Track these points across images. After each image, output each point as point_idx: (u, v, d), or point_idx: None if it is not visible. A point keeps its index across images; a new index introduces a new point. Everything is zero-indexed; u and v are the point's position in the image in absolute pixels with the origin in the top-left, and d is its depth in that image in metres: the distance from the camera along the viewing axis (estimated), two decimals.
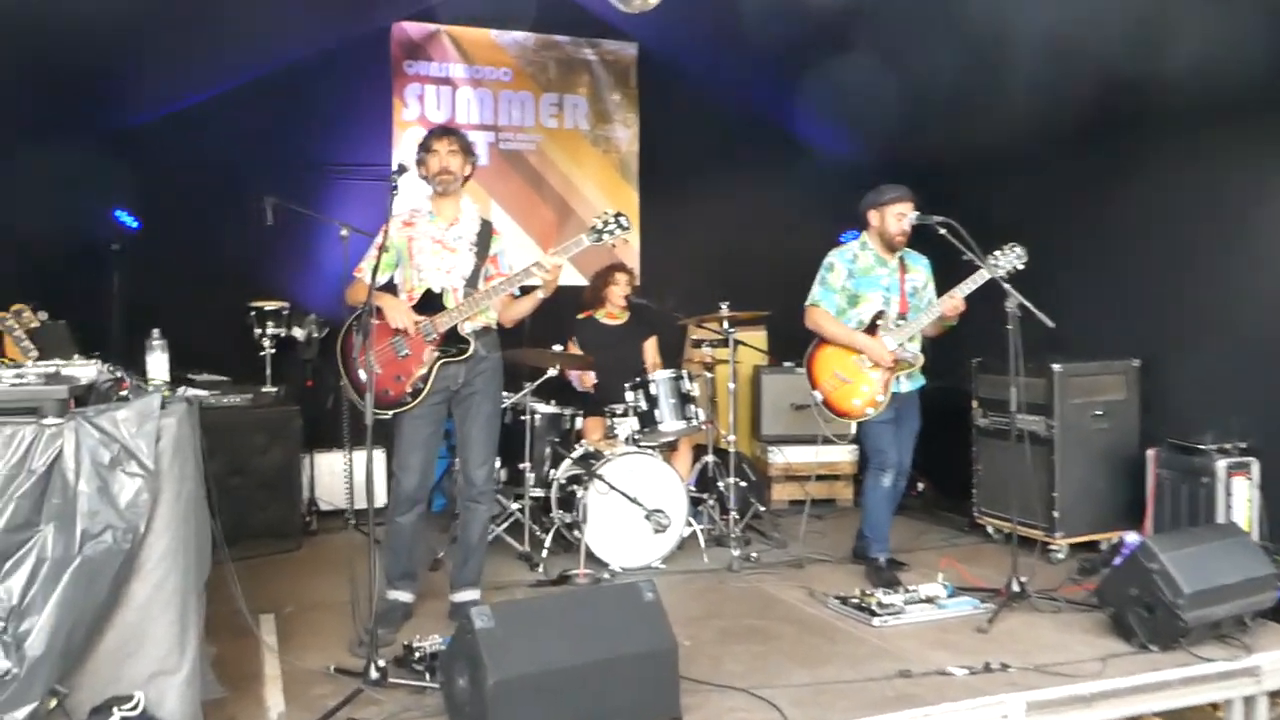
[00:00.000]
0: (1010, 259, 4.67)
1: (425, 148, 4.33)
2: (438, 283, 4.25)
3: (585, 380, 6.11)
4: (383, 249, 3.97)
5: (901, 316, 4.96)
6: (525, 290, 4.40)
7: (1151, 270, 5.59)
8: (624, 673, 3.17)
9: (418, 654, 3.69)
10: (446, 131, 4.38)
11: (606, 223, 4.29)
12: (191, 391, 3.66)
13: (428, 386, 4.17)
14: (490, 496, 4.49)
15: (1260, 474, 4.87)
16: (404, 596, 4.33)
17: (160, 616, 2.83)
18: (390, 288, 4.37)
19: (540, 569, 5.17)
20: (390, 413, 4.19)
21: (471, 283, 4.29)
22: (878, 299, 4.99)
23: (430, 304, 4.22)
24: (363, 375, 4.06)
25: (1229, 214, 5.20)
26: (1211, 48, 4.54)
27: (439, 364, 4.19)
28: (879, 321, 4.93)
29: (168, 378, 3.59)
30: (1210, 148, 5.20)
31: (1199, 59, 4.63)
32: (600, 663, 3.14)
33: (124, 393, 3.02)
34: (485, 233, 4.40)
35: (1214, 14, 4.37)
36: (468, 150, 4.36)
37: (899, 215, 4.92)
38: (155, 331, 3.62)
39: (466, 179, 4.37)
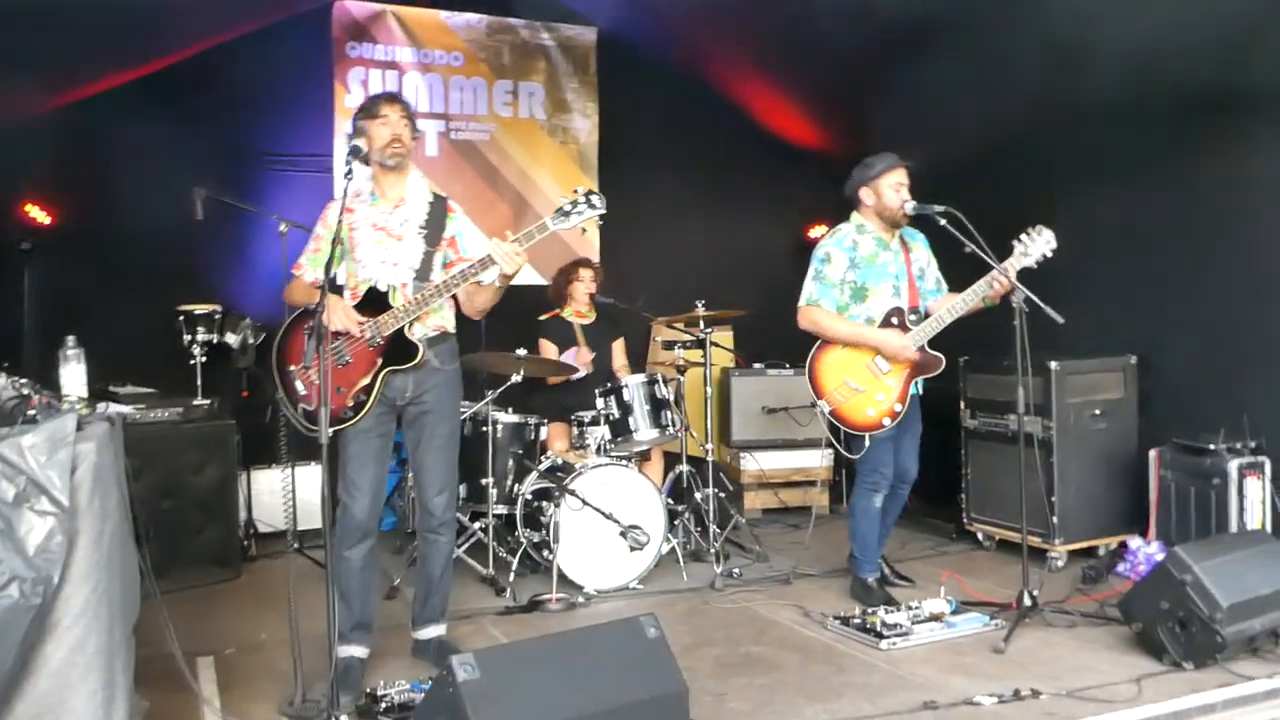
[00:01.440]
0: (1040, 245, 4.25)
1: (370, 114, 3.70)
2: (382, 277, 3.66)
3: (582, 356, 5.68)
4: (337, 240, 3.42)
5: (913, 309, 4.51)
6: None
7: (1146, 262, 5.34)
8: None
9: (384, 704, 3.25)
10: (394, 97, 3.79)
11: (575, 202, 3.59)
12: (114, 408, 3.20)
13: (371, 399, 3.61)
14: (452, 526, 3.95)
15: (1271, 474, 4.62)
16: (358, 652, 3.72)
17: (80, 684, 2.36)
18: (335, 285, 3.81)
19: (508, 594, 4.73)
20: (330, 430, 3.50)
21: (422, 275, 3.70)
22: (888, 290, 4.49)
23: (375, 303, 3.63)
24: (300, 387, 3.66)
25: (1227, 203, 4.97)
26: (1201, 42, 4.34)
27: (384, 374, 3.63)
28: (894, 320, 4.46)
29: (85, 393, 3.08)
30: (1211, 138, 4.94)
31: (1214, 51, 4.42)
32: (603, 713, 2.73)
33: (31, 412, 2.52)
34: (437, 212, 3.79)
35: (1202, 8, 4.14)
36: (414, 122, 3.79)
37: (896, 185, 4.46)
38: (70, 339, 3.11)
39: None
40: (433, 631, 3.91)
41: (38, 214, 5.49)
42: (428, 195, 3.84)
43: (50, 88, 5.40)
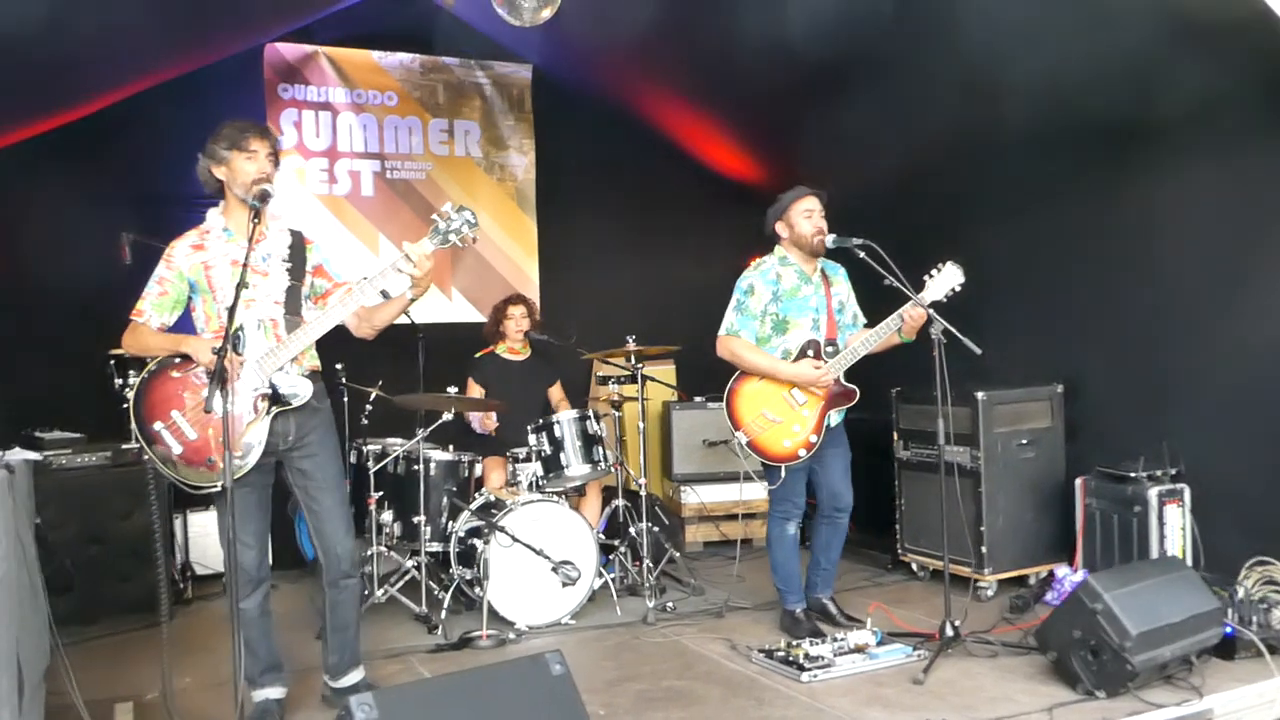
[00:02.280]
0: (948, 280, 4.32)
1: (237, 146, 3.47)
2: (250, 315, 3.49)
3: (486, 422, 5.69)
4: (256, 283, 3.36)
5: (830, 341, 4.57)
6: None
7: (1071, 291, 5.43)
8: None
9: None
10: (265, 132, 3.57)
11: (450, 220, 3.46)
12: (18, 455, 3.17)
13: (260, 446, 3.46)
14: (359, 566, 3.88)
15: (1190, 501, 4.69)
16: (275, 693, 3.69)
17: None
18: (182, 329, 3.59)
19: (440, 631, 4.71)
20: (219, 484, 3.35)
21: (291, 310, 3.57)
22: (807, 324, 4.55)
23: (244, 343, 3.46)
24: (170, 440, 3.40)
25: (1142, 232, 5.06)
26: (1108, 75, 4.45)
27: (273, 417, 3.49)
28: (810, 352, 4.51)
29: None
30: (1130, 167, 5.04)
31: (1100, 84, 4.53)
32: None
33: None
34: (298, 245, 3.67)
35: (1125, 37, 4.24)
36: (278, 156, 3.61)
37: (807, 213, 4.54)
38: None
39: None
40: (354, 677, 3.84)
41: None
42: (286, 230, 3.74)
43: None
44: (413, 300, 3.62)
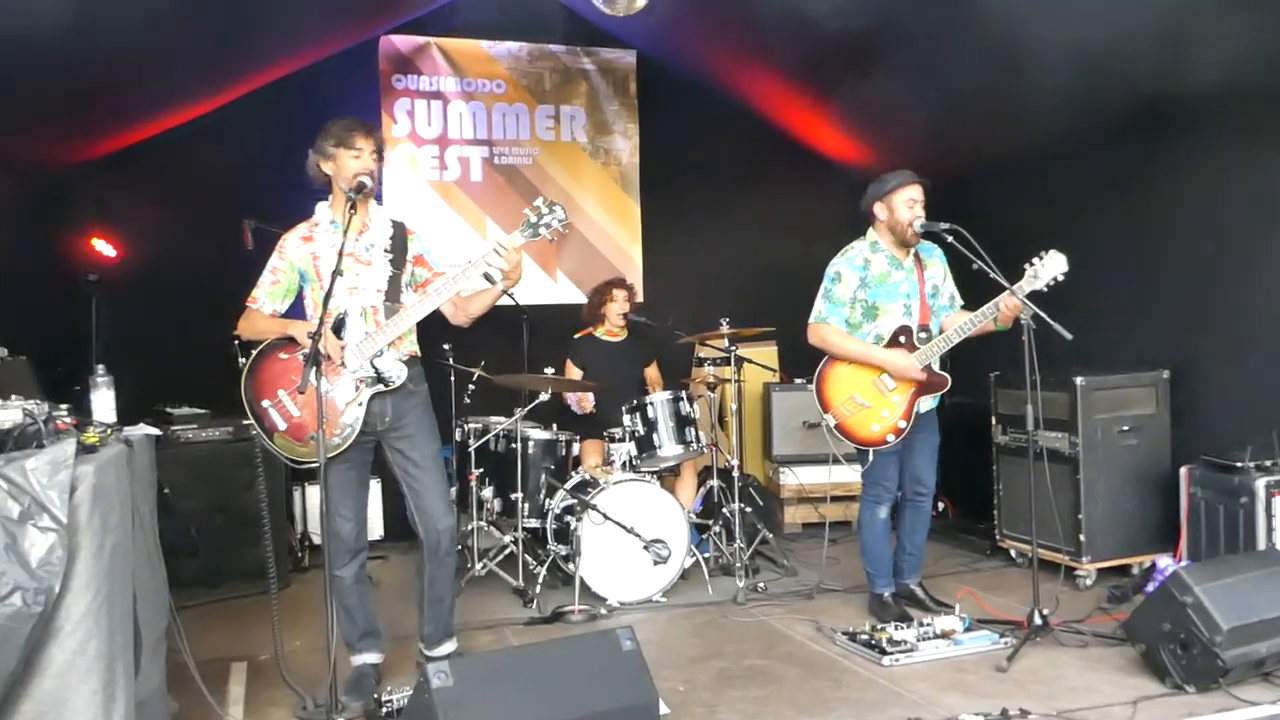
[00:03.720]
0: (1051, 269, 4.20)
1: (344, 144, 3.70)
2: (354, 301, 3.73)
3: (584, 403, 5.85)
4: (337, 273, 3.51)
5: (923, 327, 4.52)
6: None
7: (1180, 276, 5.25)
8: None
9: (385, 710, 3.43)
10: (371, 130, 3.78)
11: (541, 214, 3.63)
12: (141, 431, 3.43)
13: (357, 425, 3.70)
14: (456, 544, 4.07)
15: None
16: (371, 658, 3.91)
17: (81, 684, 2.57)
18: (294, 315, 3.87)
19: (534, 605, 4.90)
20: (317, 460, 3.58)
21: (391, 298, 3.77)
22: (899, 310, 4.51)
23: (346, 328, 3.71)
24: (275, 417, 3.71)
25: (1262, 215, 4.85)
26: (1242, 48, 4.24)
27: (370, 399, 3.70)
28: (902, 339, 4.48)
29: (113, 418, 3.34)
30: (1245, 147, 4.86)
31: (1229, 59, 4.34)
32: None
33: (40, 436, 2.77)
34: (399, 235, 3.85)
35: (1244, 14, 4.07)
36: (382, 153, 3.84)
37: (909, 202, 4.46)
38: (100, 368, 3.40)
39: None
40: (448, 648, 4.02)
41: (103, 248, 5.84)
42: (388, 221, 3.91)
43: (115, 131, 5.77)
44: (504, 291, 3.81)
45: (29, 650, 2.49)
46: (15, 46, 4.05)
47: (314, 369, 3.32)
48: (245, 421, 5.40)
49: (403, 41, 6.64)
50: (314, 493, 6.10)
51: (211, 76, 5.70)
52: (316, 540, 6.04)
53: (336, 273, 3.48)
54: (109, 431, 3.09)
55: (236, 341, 5.78)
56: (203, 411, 5.42)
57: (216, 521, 5.27)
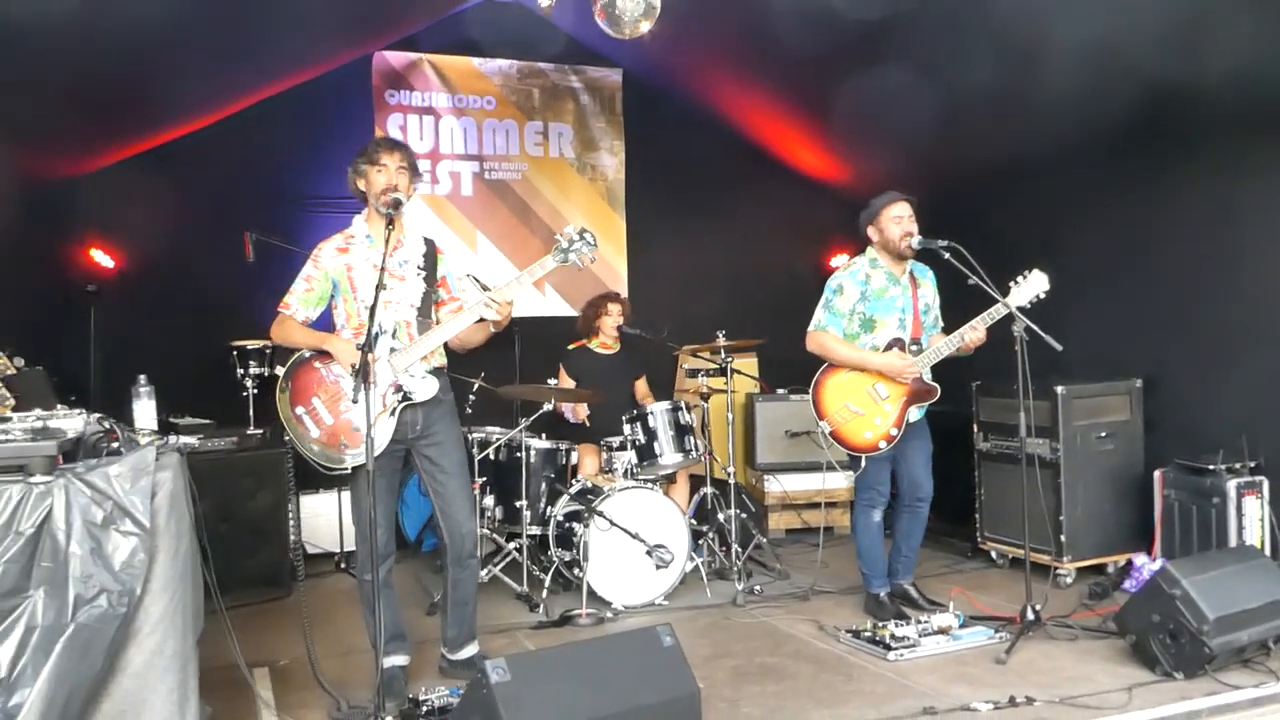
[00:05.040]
0: (1033, 287, 4.48)
1: (370, 160, 3.84)
2: (388, 316, 3.83)
3: (578, 412, 5.99)
4: (381, 285, 3.60)
5: (915, 341, 4.77)
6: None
7: (1152, 288, 5.55)
8: None
9: (425, 708, 3.54)
10: (396, 144, 3.92)
11: (572, 240, 3.85)
12: (182, 440, 3.53)
13: (389, 435, 3.79)
14: (479, 550, 4.20)
15: (1270, 493, 4.81)
16: (399, 660, 4.00)
17: (159, 683, 2.68)
18: (323, 325, 3.96)
19: (541, 610, 5.02)
20: (350, 466, 3.76)
21: (424, 313, 3.91)
22: (894, 323, 4.76)
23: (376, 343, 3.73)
24: (309, 423, 3.79)
25: (1230, 230, 5.16)
26: (1210, 65, 4.52)
27: (400, 409, 3.81)
28: (895, 349, 4.72)
29: (155, 426, 3.42)
30: (1216, 162, 5.16)
31: (1196, 77, 4.62)
32: (622, 713, 3.01)
33: (115, 445, 2.86)
34: (431, 254, 4.01)
35: (1214, 33, 4.35)
36: (414, 168, 3.93)
37: (896, 219, 4.71)
38: (142, 378, 3.46)
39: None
40: (471, 650, 4.14)
41: (102, 258, 5.87)
42: (420, 238, 4.05)
43: (115, 143, 5.80)
44: (494, 332, 4.01)
45: (113, 651, 2.59)
46: (16, 59, 4.12)
47: (363, 381, 3.40)
48: (249, 431, 5.56)
49: (396, 58, 6.76)
50: (308, 503, 6.14)
51: (210, 91, 5.76)
52: (310, 550, 6.09)
53: (379, 287, 3.57)
54: (159, 439, 3.19)
55: (235, 352, 5.91)
56: (207, 422, 5.47)
57: (221, 531, 5.31)
